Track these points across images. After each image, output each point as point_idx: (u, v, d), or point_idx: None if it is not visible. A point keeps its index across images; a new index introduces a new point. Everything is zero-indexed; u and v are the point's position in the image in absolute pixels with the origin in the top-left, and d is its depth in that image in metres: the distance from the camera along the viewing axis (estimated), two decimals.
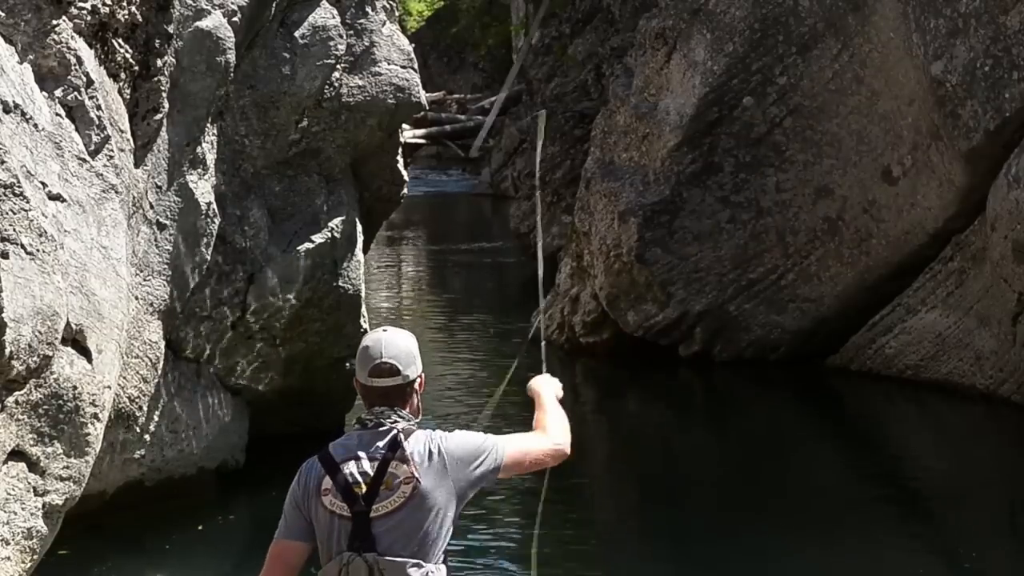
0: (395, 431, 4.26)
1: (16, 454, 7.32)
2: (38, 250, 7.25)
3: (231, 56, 9.94)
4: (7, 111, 7.49)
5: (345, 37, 11.24)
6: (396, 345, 4.35)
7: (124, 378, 8.88)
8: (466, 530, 9.58)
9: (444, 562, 4.30)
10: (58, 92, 8.12)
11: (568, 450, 4.56)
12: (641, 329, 14.90)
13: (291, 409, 11.38)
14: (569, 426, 4.63)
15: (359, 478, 4.23)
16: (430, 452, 4.25)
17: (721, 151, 14.62)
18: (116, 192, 8.40)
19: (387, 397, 4.32)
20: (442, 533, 4.26)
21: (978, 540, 9.84)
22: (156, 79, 9.29)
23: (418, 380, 4.38)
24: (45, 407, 7.41)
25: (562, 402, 4.75)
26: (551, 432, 4.57)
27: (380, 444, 4.26)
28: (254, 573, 4.40)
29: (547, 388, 4.80)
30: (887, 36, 13.55)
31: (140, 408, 9.33)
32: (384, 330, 4.43)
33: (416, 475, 4.21)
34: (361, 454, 4.26)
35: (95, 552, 9.19)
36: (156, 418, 9.87)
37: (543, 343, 5.49)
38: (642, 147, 15.05)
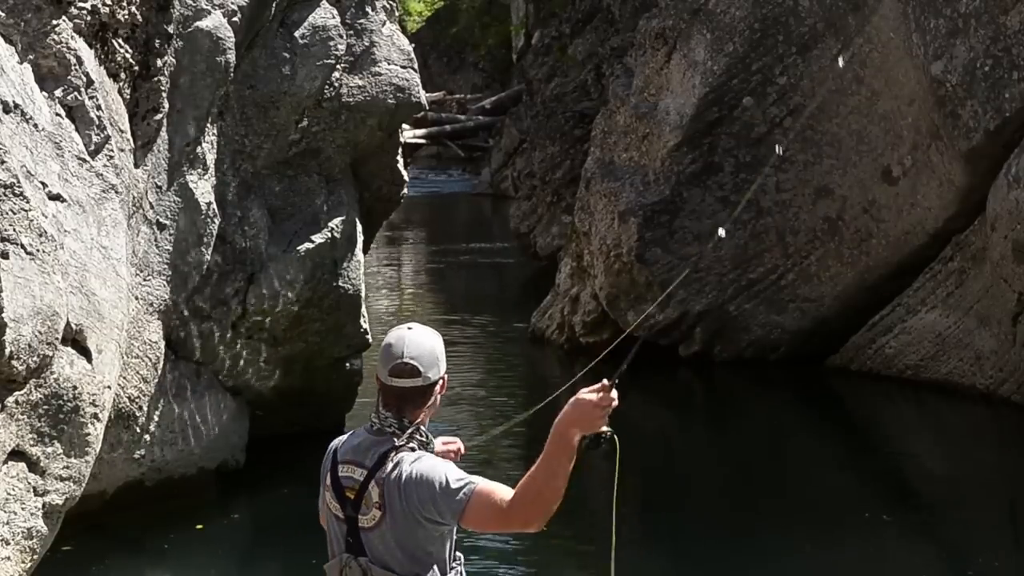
0: (387, 447, 4.19)
1: (16, 454, 7.32)
2: (38, 250, 7.25)
3: (231, 56, 9.95)
4: (7, 111, 7.49)
5: (345, 37, 11.25)
6: (420, 345, 4.22)
7: (124, 378, 8.88)
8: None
9: (451, 568, 4.26)
10: (58, 92, 8.12)
11: (536, 527, 4.08)
12: (641, 329, 14.89)
13: (291, 409, 11.38)
14: (552, 486, 4.03)
15: (350, 483, 4.23)
16: (399, 478, 4.14)
17: (721, 151, 14.62)
18: (116, 192, 8.40)
19: (403, 399, 4.22)
20: (427, 550, 4.19)
21: (978, 540, 9.83)
22: (156, 79, 9.29)
23: (440, 382, 4.27)
24: (45, 407, 7.41)
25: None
26: (518, 504, 4.06)
27: (373, 455, 4.21)
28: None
29: (559, 423, 4.06)
30: (887, 36, 13.55)
31: (140, 408, 9.34)
32: (409, 327, 4.29)
33: (383, 503, 4.15)
34: (356, 460, 4.24)
35: (95, 552, 9.19)
36: (156, 418, 9.87)
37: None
38: (642, 147, 15.04)
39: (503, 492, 4.10)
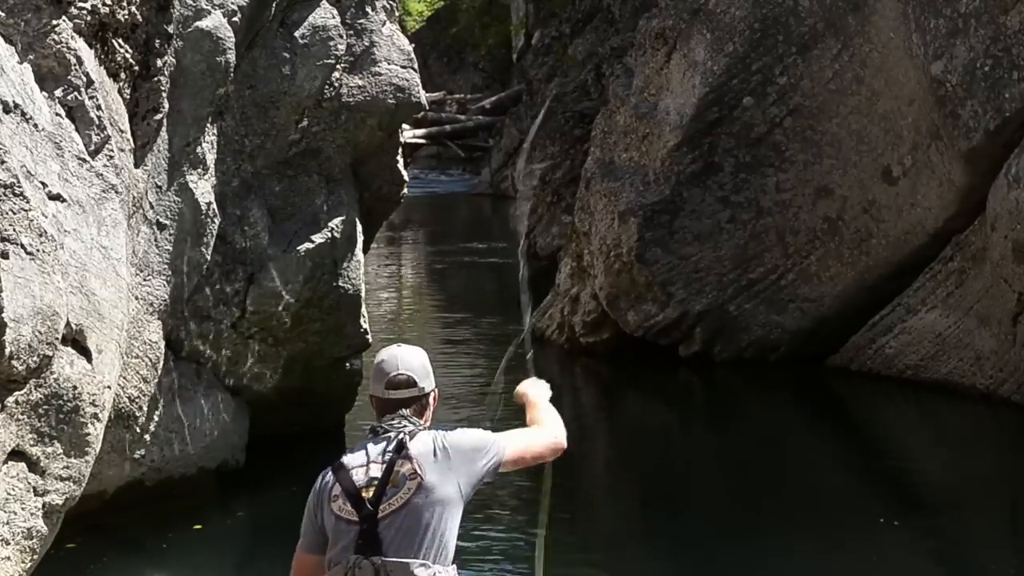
0: (402, 435, 4.37)
1: (16, 454, 7.32)
2: (38, 250, 7.25)
3: (231, 56, 9.94)
4: (7, 111, 7.49)
5: (345, 37, 11.24)
6: (411, 360, 4.51)
7: (124, 378, 8.88)
8: (468, 531, 9.58)
9: (453, 564, 4.35)
10: (58, 92, 8.12)
11: (565, 444, 4.68)
12: (641, 329, 14.89)
13: (291, 409, 11.38)
14: (562, 422, 4.74)
15: (367, 483, 4.33)
16: (434, 449, 4.35)
17: (721, 151, 14.62)
18: (116, 192, 8.40)
19: (402, 408, 4.46)
20: (448, 532, 4.32)
21: (978, 540, 9.83)
22: (156, 79, 9.29)
23: (432, 394, 4.54)
24: (45, 407, 7.41)
25: (557, 402, 4.86)
26: (548, 427, 4.67)
27: (388, 448, 4.36)
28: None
29: (535, 390, 4.92)
30: (887, 36, 13.55)
31: (140, 408, 9.34)
32: (398, 346, 4.59)
33: (420, 471, 4.30)
34: (371, 460, 4.36)
35: (95, 552, 9.19)
36: (156, 418, 9.87)
37: (529, 355, 5.83)
38: (642, 147, 15.04)
39: (526, 432, 4.66)
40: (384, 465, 4.32)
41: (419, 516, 4.28)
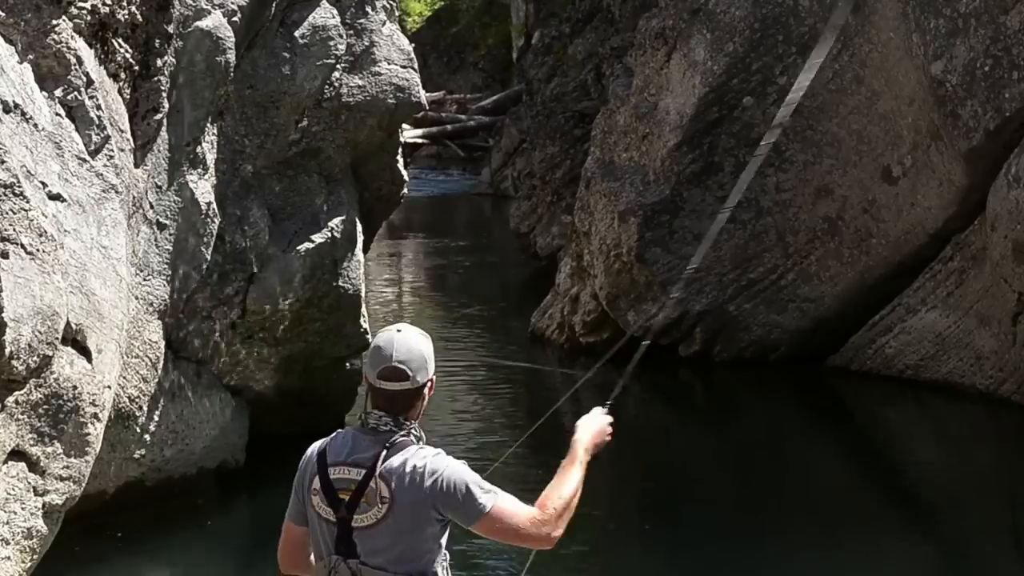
0: (386, 443, 4.19)
1: (16, 454, 7.32)
2: (38, 250, 7.26)
3: (231, 56, 9.95)
4: (7, 111, 7.49)
5: (345, 37, 11.25)
6: (409, 348, 4.23)
7: (124, 378, 8.88)
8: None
9: (440, 569, 4.27)
10: (58, 92, 8.12)
11: (555, 541, 4.24)
12: (641, 329, 14.89)
13: (291, 409, 11.38)
14: (575, 503, 4.33)
15: (344, 484, 4.21)
16: (413, 470, 4.15)
17: (721, 151, 14.62)
18: (116, 192, 8.40)
19: (393, 402, 4.23)
20: (426, 546, 4.20)
21: (978, 540, 9.83)
22: (156, 79, 9.29)
23: (428, 384, 4.28)
24: (45, 407, 7.41)
25: (602, 444, 4.52)
26: (548, 516, 4.22)
27: (369, 453, 4.20)
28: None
29: (584, 440, 4.47)
30: (887, 36, 13.55)
31: (140, 408, 9.34)
32: (398, 330, 4.29)
33: (392, 495, 4.14)
34: (351, 459, 4.22)
35: (95, 552, 9.20)
36: (156, 418, 9.87)
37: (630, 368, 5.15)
38: (642, 147, 15.05)
39: (524, 508, 4.20)
40: (364, 471, 4.17)
41: (391, 535, 4.15)
